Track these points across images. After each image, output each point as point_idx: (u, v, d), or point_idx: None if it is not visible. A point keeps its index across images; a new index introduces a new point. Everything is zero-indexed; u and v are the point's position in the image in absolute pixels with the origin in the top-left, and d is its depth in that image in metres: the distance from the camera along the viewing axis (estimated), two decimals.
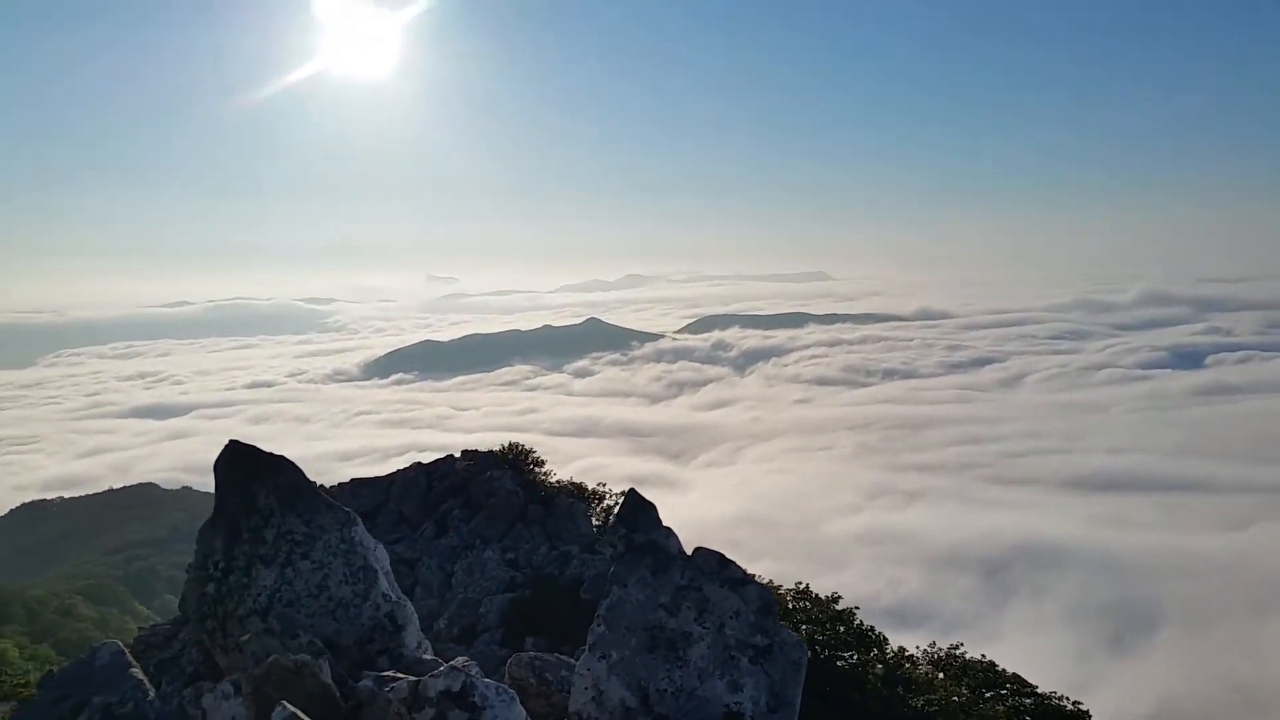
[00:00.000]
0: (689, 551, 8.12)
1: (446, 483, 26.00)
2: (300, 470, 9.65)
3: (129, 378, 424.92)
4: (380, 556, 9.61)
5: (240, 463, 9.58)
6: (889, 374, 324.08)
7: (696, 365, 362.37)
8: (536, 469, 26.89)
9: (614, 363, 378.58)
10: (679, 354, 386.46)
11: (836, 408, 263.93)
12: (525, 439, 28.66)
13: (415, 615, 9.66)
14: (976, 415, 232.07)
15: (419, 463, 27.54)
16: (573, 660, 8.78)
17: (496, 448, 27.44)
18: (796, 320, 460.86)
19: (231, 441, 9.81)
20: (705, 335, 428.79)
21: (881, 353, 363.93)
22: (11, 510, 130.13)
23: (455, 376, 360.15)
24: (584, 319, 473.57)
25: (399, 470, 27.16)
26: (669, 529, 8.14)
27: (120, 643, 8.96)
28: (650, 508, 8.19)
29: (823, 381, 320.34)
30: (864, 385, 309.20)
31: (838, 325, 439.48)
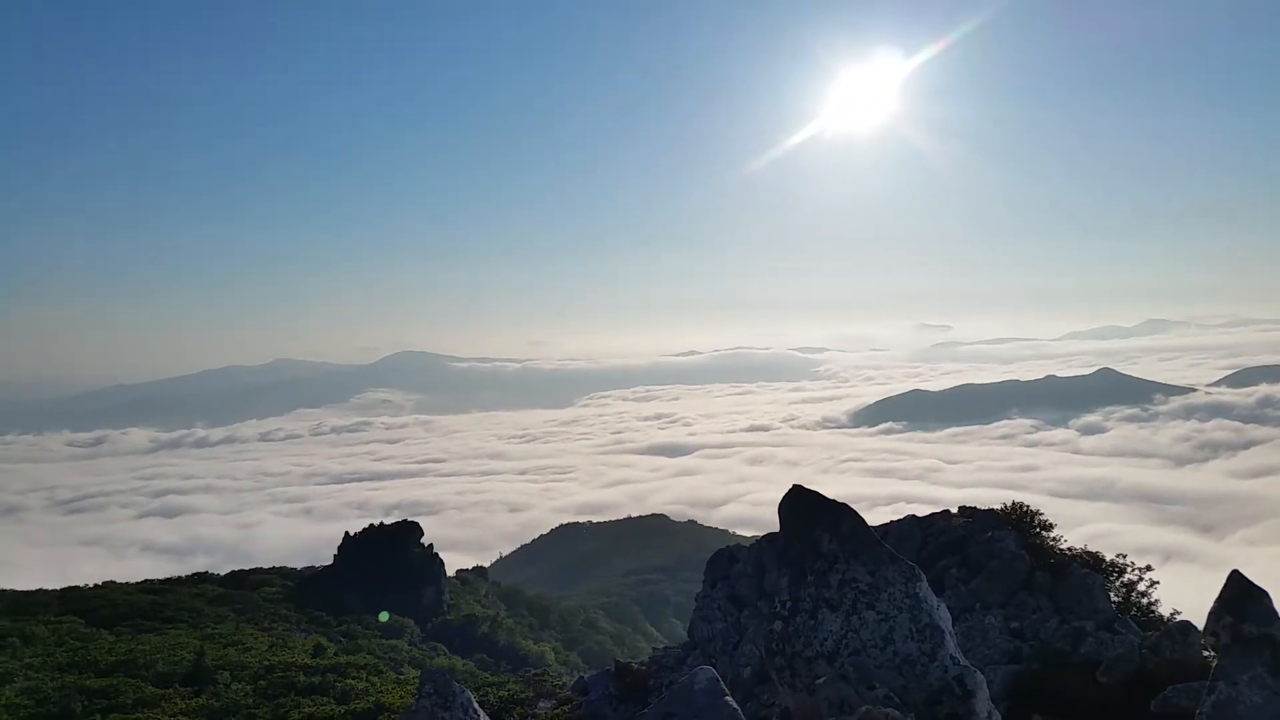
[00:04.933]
0: None
1: (942, 539, 24.54)
2: (863, 519, 9.75)
3: (647, 418, 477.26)
4: (944, 616, 9.38)
5: (804, 507, 9.90)
6: None
7: (1236, 424, 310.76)
8: (1044, 532, 24.34)
9: (1131, 418, 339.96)
10: (1214, 410, 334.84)
11: None
12: (1024, 498, 26.19)
13: (985, 683, 9.19)
14: None
15: (913, 515, 26.37)
16: None
17: (994, 505, 25.37)
18: None
19: (795, 486, 10.23)
20: (1248, 389, 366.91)
21: None
22: (552, 530, 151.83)
23: (946, 428, 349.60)
24: (1095, 369, 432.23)
25: (892, 521, 26.25)
26: None
27: (713, 669, 9.60)
28: (1263, 596, 6.79)
29: None
30: None
31: None
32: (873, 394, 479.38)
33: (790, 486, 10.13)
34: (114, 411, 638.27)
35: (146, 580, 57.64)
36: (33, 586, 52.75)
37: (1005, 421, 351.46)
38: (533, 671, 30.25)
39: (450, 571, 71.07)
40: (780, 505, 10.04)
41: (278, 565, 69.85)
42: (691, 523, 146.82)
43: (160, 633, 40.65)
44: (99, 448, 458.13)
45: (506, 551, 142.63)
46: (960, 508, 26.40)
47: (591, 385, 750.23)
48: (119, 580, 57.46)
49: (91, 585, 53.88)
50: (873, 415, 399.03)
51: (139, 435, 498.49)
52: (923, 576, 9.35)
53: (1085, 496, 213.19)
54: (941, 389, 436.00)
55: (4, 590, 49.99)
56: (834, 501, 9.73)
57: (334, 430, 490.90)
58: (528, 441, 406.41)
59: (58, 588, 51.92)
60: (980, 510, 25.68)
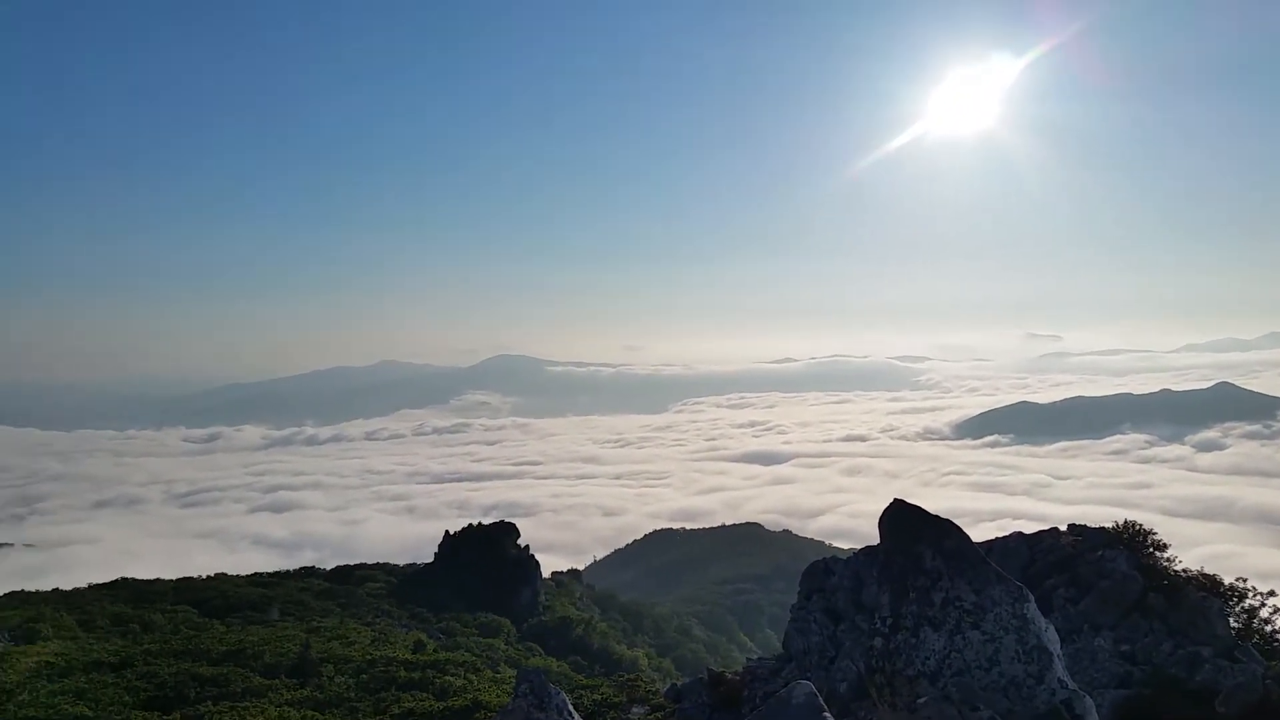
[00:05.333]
0: None
1: (1050, 558, 23.65)
2: (967, 536, 9.57)
3: (741, 425, 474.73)
4: (1052, 638, 9.19)
5: (905, 522, 9.81)
6: None
7: None
8: (1157, 553, 23.24)
9: (1252, 435, 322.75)
10: None
11: None
12: (1137, 517, 25.06)
13: (1094, 708, 8.99)
14: None
15: (1019, 532, 25.52)
16: None
17: (1105, 524, 24.36)
18: None
19: (896, 500, 10.17)
20: None
21: None
22: (646, 535, 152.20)
23: (1055, 442, 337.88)
24: (1213, 383, 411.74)
25: (997, 538, 25.45)
26: None
27: (811, 684, 9.30)
28: None
29: None
30: None
31: None
32: (977, 405, 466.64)
33: (891, 500, 9.97)
34: (228, 409, 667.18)
35: (256, 573, 59.95)
36: (151, 576, 55.57)
37: (1117, 436, 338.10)
38: (626, 676, 30.32)
39: (545, 573, 71.74)
40: (881, 519, 9.89)
41: (381, 561, 71.76)
42: (786, 532, 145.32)
43: (268, 625, 42.23)
44: (214, 444, 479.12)
45: (601, 555, 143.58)
46: (1070, 525, 25.49)
47: (686, 391, 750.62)
48: (230, 572, 59.97)
49: (205, 577, 56.40)
50: (976, 427, 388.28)
51: (252, 432, 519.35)
52: (1030, 597, 9.10)
53: (1202, 516, 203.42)
54: (1050, 401, 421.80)
55: (127, 579, 52.77)
56: (937, 517, 9.52)
57: (435, 431, 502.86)
58: (622, 446, 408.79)
59: (174, 578, 54.50)
60: (1090, 528, 24.75)
